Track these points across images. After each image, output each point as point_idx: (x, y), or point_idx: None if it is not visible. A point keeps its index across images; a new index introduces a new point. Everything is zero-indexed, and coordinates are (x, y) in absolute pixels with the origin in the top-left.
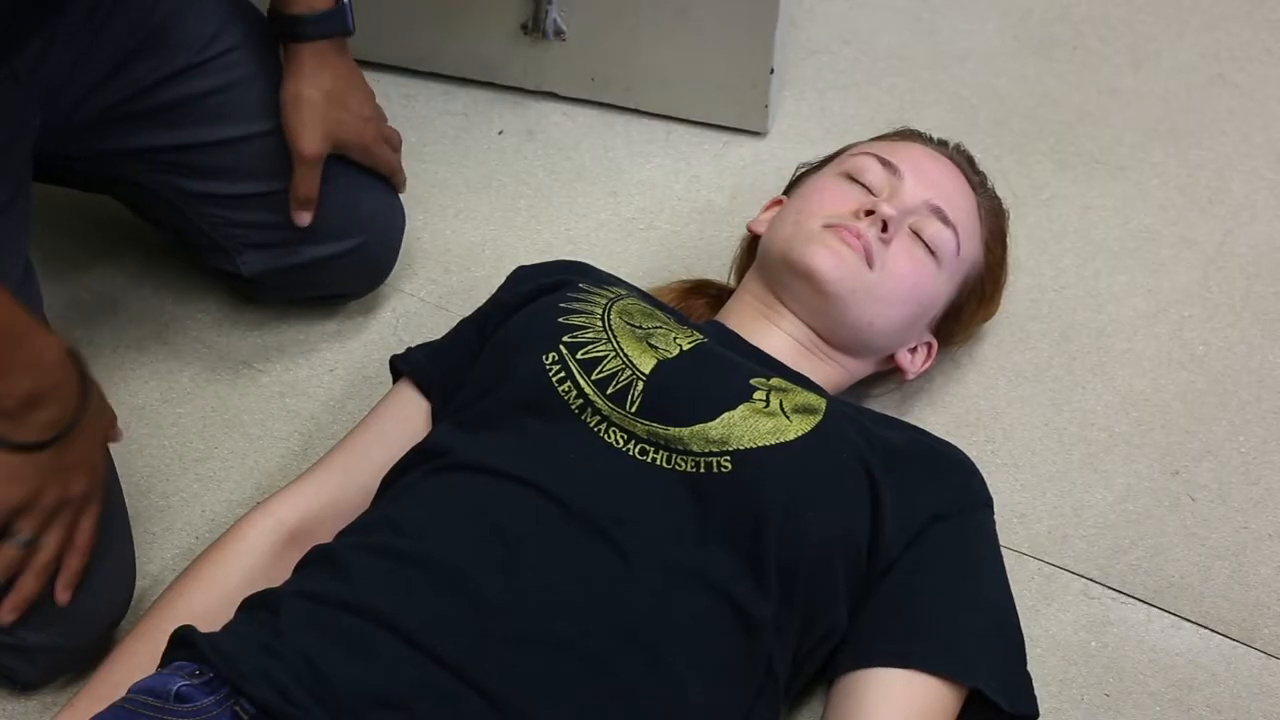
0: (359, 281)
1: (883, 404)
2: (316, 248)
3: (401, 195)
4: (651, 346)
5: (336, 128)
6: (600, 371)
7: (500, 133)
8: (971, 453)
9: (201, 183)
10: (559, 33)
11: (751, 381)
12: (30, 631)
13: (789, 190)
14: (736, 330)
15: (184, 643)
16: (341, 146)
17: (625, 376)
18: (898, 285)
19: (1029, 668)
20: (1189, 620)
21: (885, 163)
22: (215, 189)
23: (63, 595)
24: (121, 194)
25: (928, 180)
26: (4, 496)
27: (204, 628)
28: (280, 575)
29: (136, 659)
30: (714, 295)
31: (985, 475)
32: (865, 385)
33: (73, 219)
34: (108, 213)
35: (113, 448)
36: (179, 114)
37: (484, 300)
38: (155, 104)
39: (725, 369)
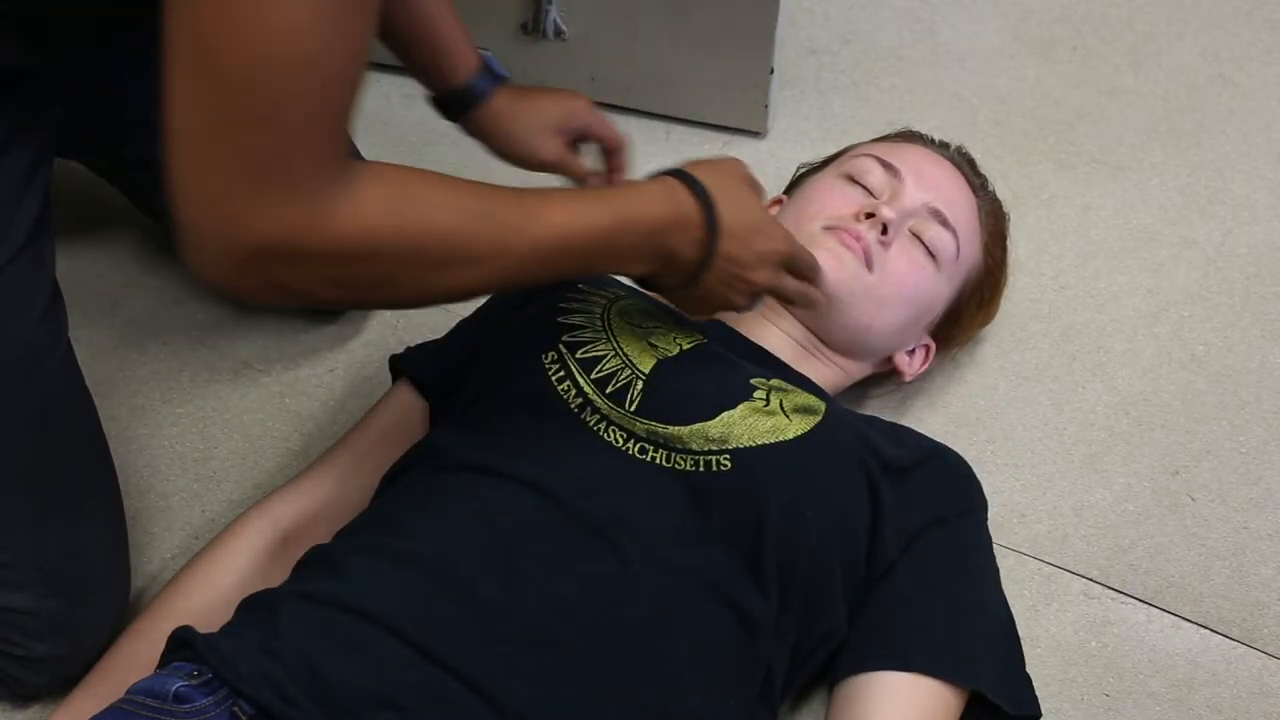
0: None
1: (882, 404)
2: None
3: None
4: (651, 345)
5: (553, 121)
6: (600, 370)
7: None
8: (971, 453)
9: None
10: (559, 33)
11: (751, 381)
12: (37, 642)
13: (789, 190)
14: (736, 329)
15: (182, 643)
16: (574, 131)
17: (625, 375)
18: (897, 288)
19: (1029, 668)
20: (1189, 620)
21: (886, 165)
22: None
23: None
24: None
25: (928, 183)
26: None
27: (200, 627)
28: (276, 575)
29: (133, 658)
30: None
31: (985, 475)
32: (864, 386)
33: (72, 220)
34: (108, 214)
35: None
36: None
37: (484, 300)
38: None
39: (725, 368)
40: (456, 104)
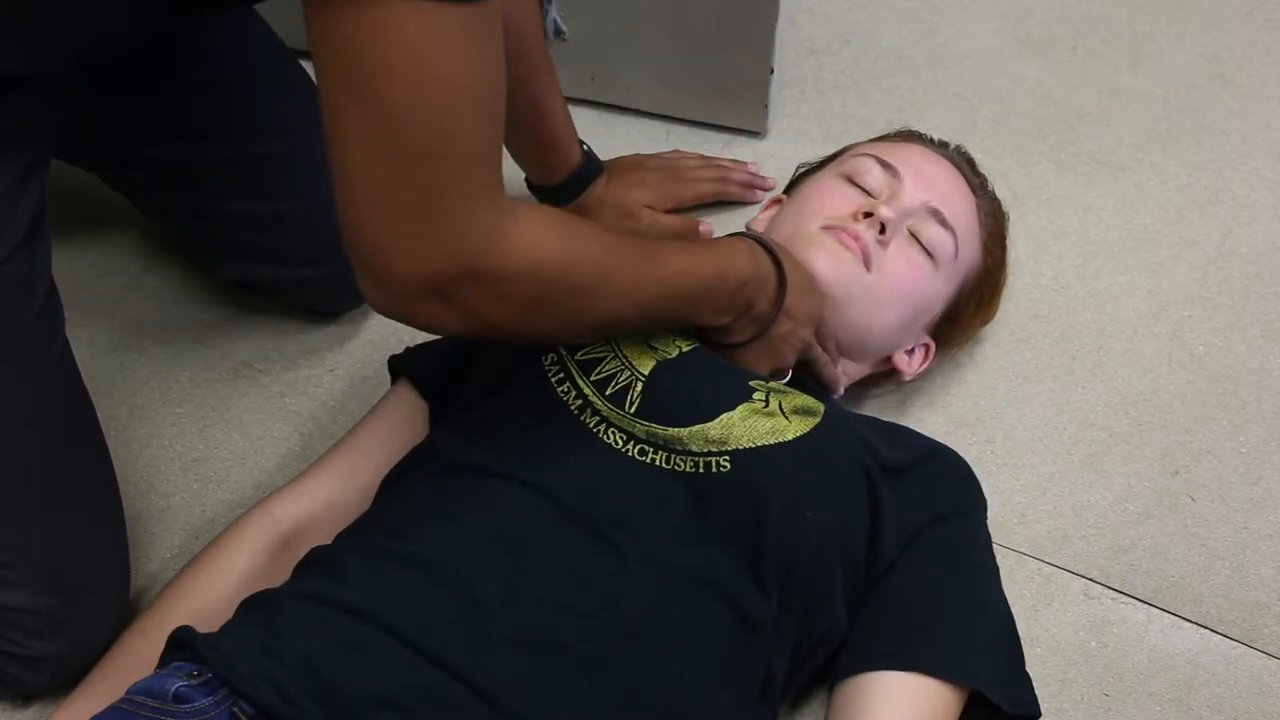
0: (334, 303)
1: (882, 404)
2: (288, 270)
3: None
4: (651, 348)
5: (644, 203)
6: (599, 372)
7: None
8: (971, 453)
9: (198, 197)
10: (559, 33)
11: (750, 382)
12: (37, 641)
13: (789, 190)
14: None
15: (182, 643)
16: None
17: (624, 377)
18: (895, 288)
19: (1029, 668)
20: (1189, 620)
21: (885, 164)
22: (210, 204)
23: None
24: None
25: (927, 182)
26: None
27: (201, 627)
28: (277, 576)
29: (134, 658)
30: None
31: (985, 475)
32: (864, 385)
33: (72, 220)
34: (108, 214)
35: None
36: (193, 134)
37: None
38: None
39: (724, 370)
40: (556, 195)
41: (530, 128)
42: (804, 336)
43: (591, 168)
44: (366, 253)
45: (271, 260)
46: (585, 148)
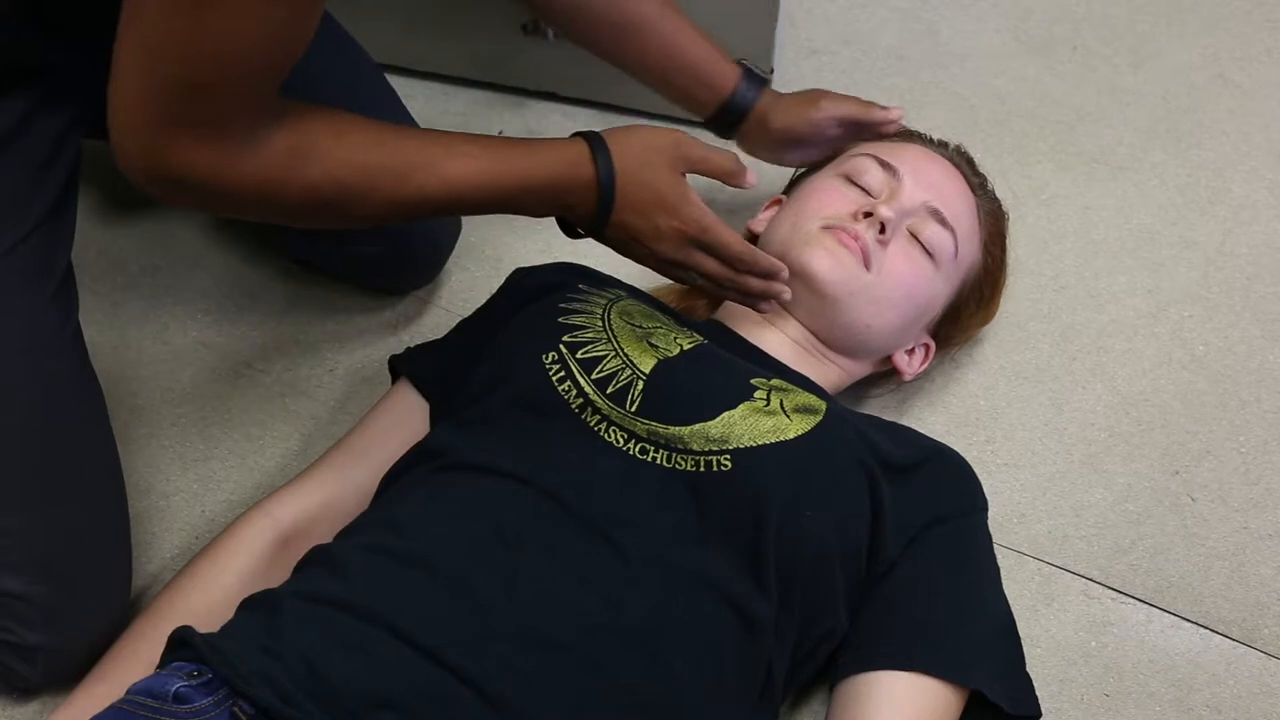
0: (402, 280)
1: (882, 404)
2: (350, 247)
3: None
4: (652, 346)
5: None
6: (600, 371)
7: (500, 133)
8: (971, 453)
9: None
10: (559, 33)
11: (752, 381)
12: (30, 630)
13: (789, 190)
14: (736, 330)
15: (182, 643)
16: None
17: (625, 376)
18: (895, 287)
19: (1029, 668)
20: (1189, 620)
21: (884, 164)
22: None
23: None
24: None
25: (926, 182)
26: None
27: (201, 627)
28: (277, 575)
29: (134, 658)
30: None
31: (985, 475)
32: (864, 385)
33: None
34: (109, 214)
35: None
36: None
37: (483, 300)
38: None
39: (725, 368)
40: (726, 117)
41: (670, 69)
42: (660, 250)
43: (752, 86)
44: (118, 133)
45: (331, 238)
46: (746, 65)
